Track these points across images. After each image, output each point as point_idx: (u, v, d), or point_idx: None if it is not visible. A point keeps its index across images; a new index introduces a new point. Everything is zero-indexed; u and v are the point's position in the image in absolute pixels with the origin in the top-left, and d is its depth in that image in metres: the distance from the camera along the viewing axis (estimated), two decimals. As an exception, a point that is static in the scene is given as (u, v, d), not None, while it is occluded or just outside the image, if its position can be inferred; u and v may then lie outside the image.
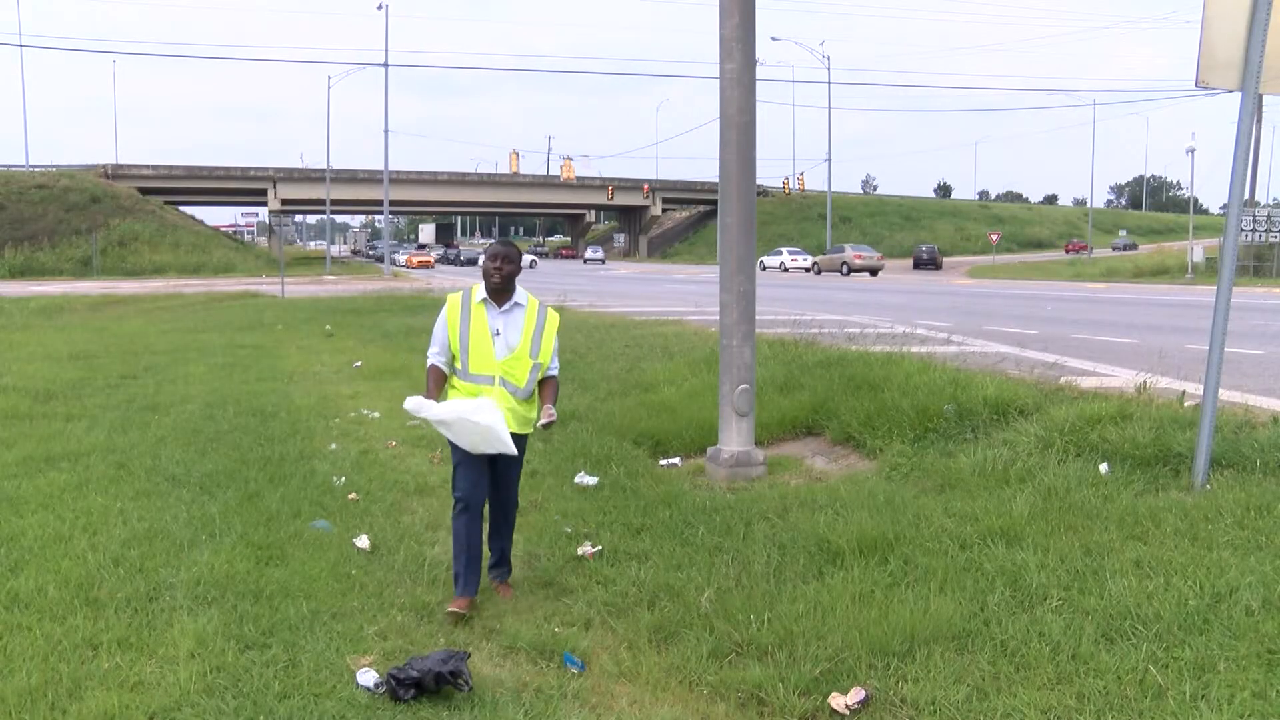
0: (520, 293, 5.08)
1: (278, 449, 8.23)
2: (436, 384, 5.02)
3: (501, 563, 5.30)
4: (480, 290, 5.03)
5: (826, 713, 3.84)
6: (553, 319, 5.15)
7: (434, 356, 5.08)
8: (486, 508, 5.13)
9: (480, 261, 5.06)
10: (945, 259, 63.05)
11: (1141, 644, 4.01)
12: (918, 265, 59.48)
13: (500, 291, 5.01)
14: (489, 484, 5.05)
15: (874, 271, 50.88)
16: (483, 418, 4.74)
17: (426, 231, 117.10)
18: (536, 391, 5.09)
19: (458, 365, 5.02)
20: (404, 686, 3.93)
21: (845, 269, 51.14)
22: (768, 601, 4.75)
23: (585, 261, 76.60)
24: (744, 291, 7.75)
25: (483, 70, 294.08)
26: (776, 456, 8.04)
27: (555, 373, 5.17)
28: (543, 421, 4.95)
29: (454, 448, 4.95)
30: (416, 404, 4.84)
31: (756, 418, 7.94)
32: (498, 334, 4.97)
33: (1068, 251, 72.02)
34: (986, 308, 22.32)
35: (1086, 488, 5.92)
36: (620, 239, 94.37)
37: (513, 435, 4.85)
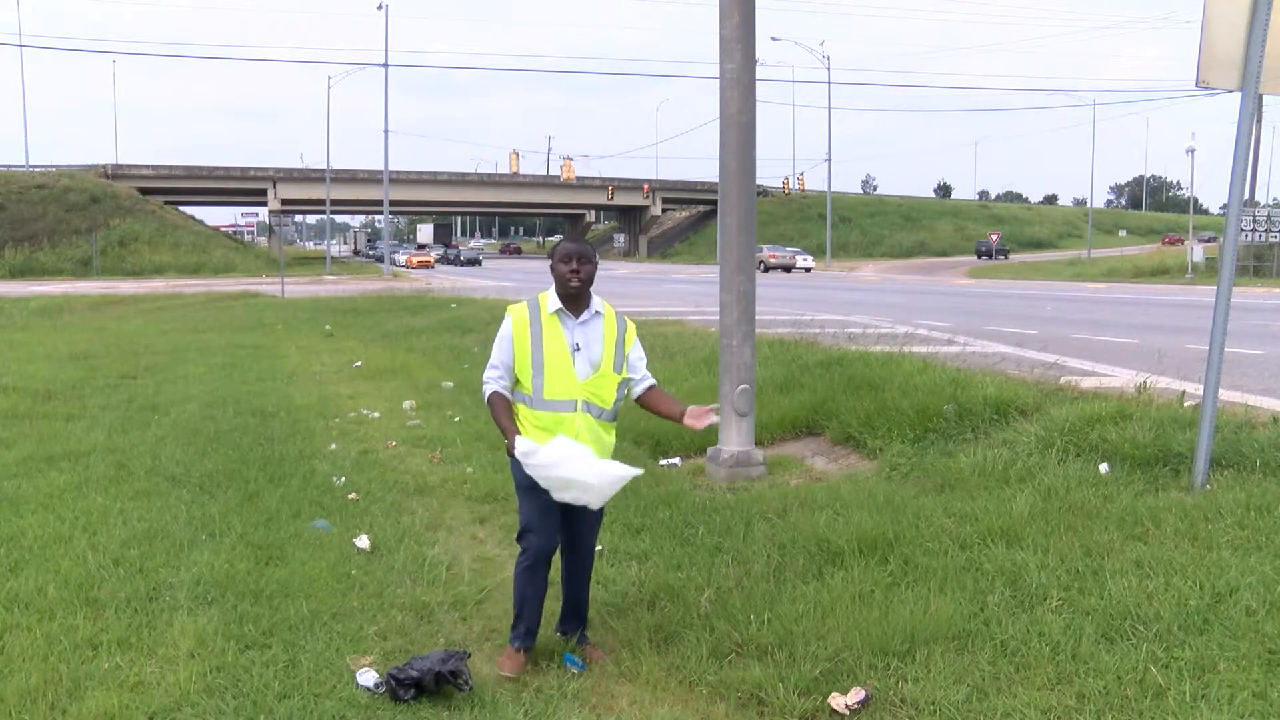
0: (596, 299, 4.35)
1: (278, 449, 8.23)
2: (509, 414, 4.24)
3: (576, 615, 4.59)
4: (552, 300, 4.26)
5: (826, 713, 3.84)
6: (632, 326, 4.48)
7: (495, 381, 4.27)
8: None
9: (551, 265, 4.29)
10: (945, 259, 63.30)
11: (1141, 644, 4.00)
12: (980, 255, 63.11)
13: (579, 298, 4.26)
14: (560, 528, 4.37)
15: (788, 269, 52.81)
16: (604, 467, 4.14)
17: (425, 231, 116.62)
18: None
19: (526, 390, 4.23)
20: (404, 686, 3.93)
21: (763, 267, 51.80)
22: (768, 601, 4.74)
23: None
24: (744, 291, 7.75)
25: (483, 70, 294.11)
26: (776, 456, 8.04)
27: (654, 380, 4.48)
28: (707, 423, 4.27)
29: (519, 479, 4.26)
30: (528, 448, 4.07)
31: (756, 418, 7.94)
32: (578, 349, 4.23)
33: (1166, 243, 71.96)
34: (986, 308, 22.33)
35: (1086, 488, 5.92)
36: (620, 239, 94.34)
37: None
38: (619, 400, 4.35)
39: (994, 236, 65.28)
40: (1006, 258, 60.55)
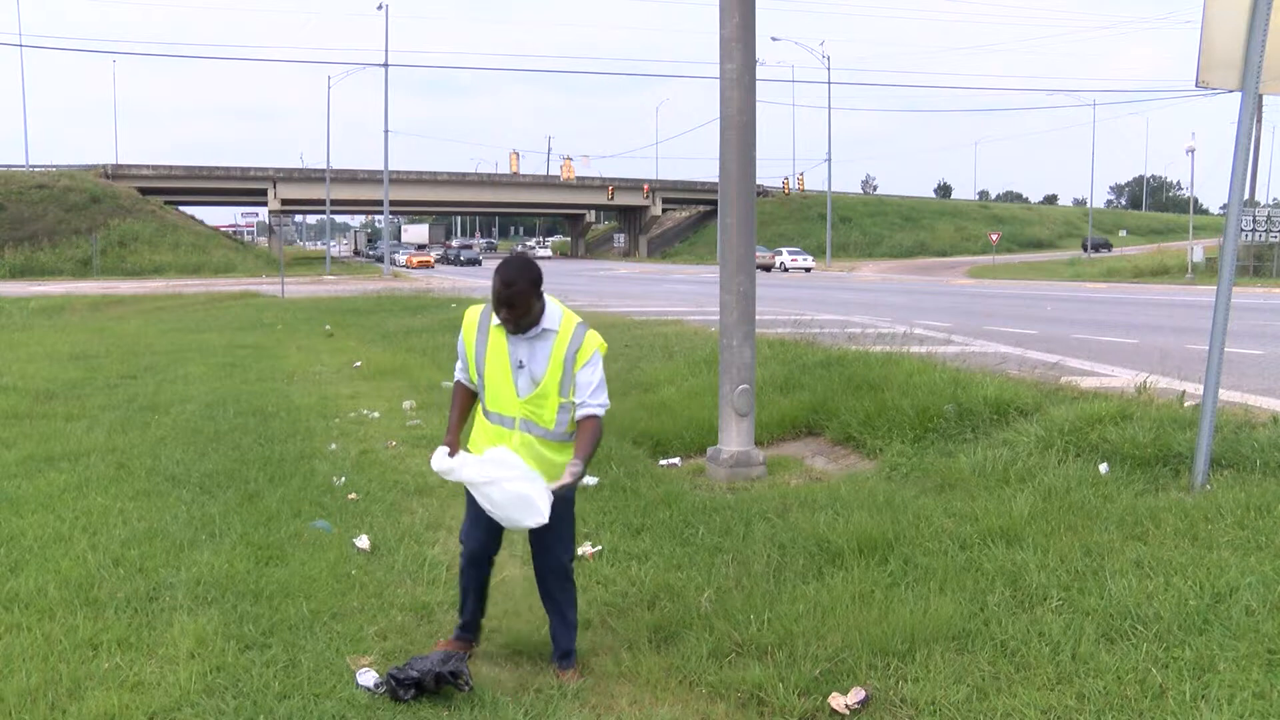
0: (552, 314, 4.08)
1: (278, 449, 8.23)
2: (461, 409, 4.24)
3: (557, 638, 4.34)
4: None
5: (826, 713, 3.84)
6: (591, 344, 4.13)
7: (459, 372, 4.27)
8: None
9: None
10: (944, 259, 63.29)
11: (1141, 644, 4.00)
12: (1087, 250, 65.55)
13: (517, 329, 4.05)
14: (493, 533, 4.26)
15: (767, 268, 53.10)
16: (518, 487, 3.92)
17: (413, 232, 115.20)
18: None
19: (481, 397, 4.21)
20: (404, 687, 3.93)
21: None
22: (768, 601, 4.74)
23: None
24: (744, 291, 7.75)
25: (483, 70, 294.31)
26: (776, 456, 8.03)
27: (596, 411, 4.11)
28: (555, 486, 3.92)
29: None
30: (444, 465, 4.02)
31: (756, 418, 7.94)
32: (521, 366, 4.06)
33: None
34: (986, 308, 22.32)
35: (1086, 488, 5.92)
36: (620, 239, 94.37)
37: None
38: (564, 422, 4.09)
39: (994, 236, 65.23)
40: (1109, 250, 61.98)
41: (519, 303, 3.95)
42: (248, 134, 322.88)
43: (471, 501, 4.14)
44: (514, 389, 4.07)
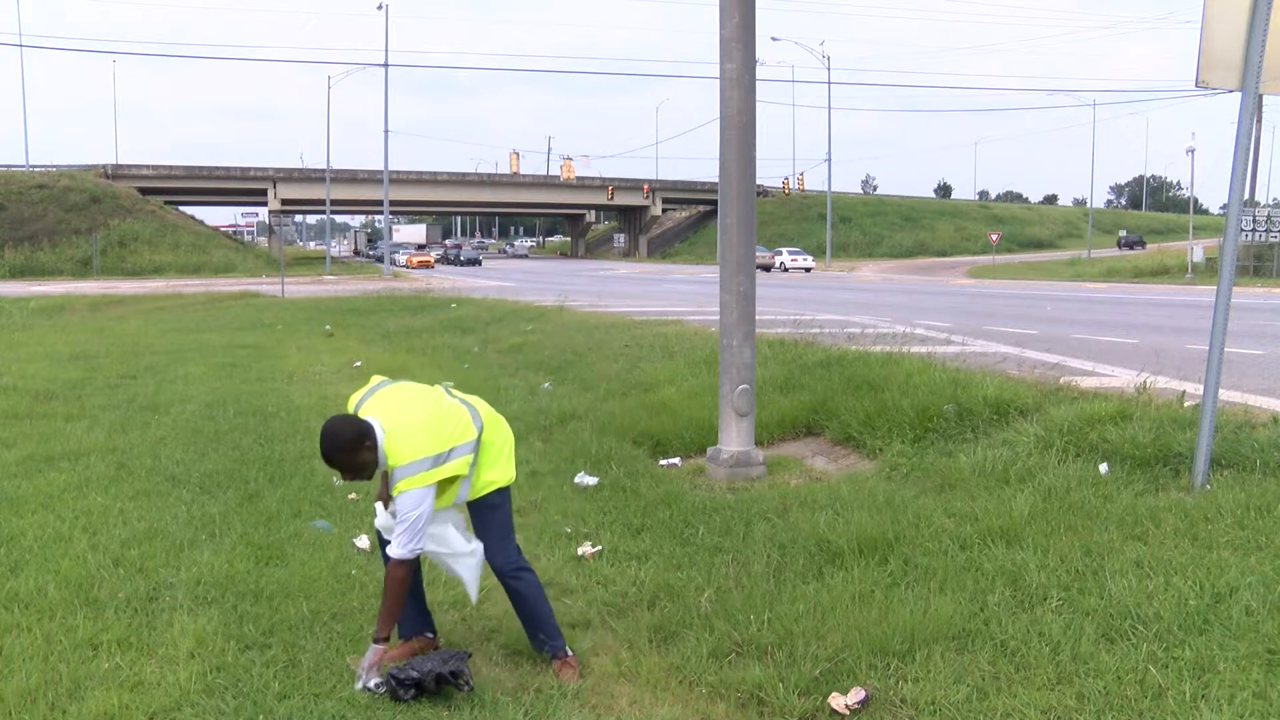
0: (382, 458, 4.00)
1: (278, 449, 8.24)
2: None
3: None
4: None
5: (826, 713, 3.84)
6: (405, 485, 3.96)
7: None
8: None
9: None
10: (944, 259, 63.25)
11: (1141, 644, 4.01)
12: (1121, 246, 65.46)
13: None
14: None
15: (766, 268, 53.28)
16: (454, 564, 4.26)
17: (406, 232, 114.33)
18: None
19: None
20: (404, 687, 3.93)
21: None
22: (768, 601, 4.75)
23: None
24: (744, 291, 7.75)
25: (483, 70, 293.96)
26: (776, 456, 8.04)
27: (393, 553, 4.05)
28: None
29: None
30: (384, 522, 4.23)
31: (756, 418, 7.94)
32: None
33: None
34: (986, 308, 22.32)
35: (1086, 488, 5.92)
36: (620, 239, 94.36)
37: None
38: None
39: (994, 236, 65.21)
40: (1144, 247, 62.20)
41: (347, 466, 3.98)
42: (248, 134, 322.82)
43: None
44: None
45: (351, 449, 3.94)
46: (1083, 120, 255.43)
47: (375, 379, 4.41)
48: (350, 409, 4.23)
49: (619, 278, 44.39)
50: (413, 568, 4.16)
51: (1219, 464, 5.99)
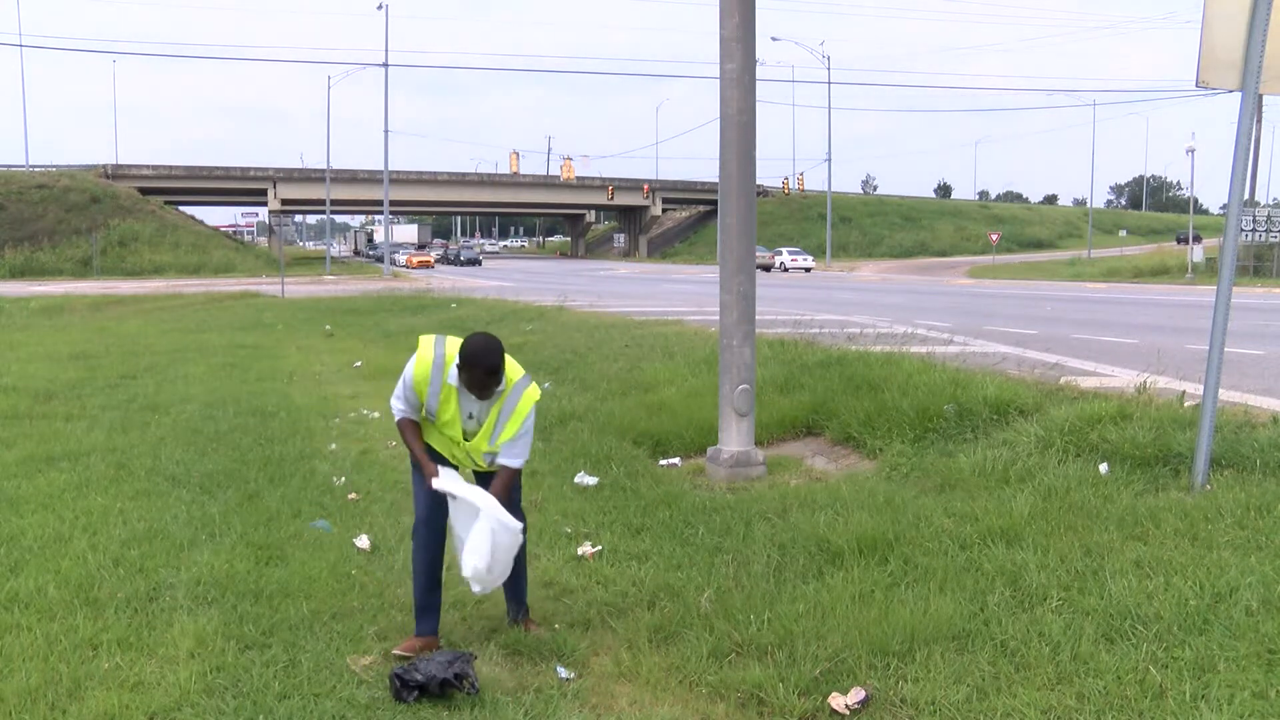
0: (507, 371, 4.33)
1: (278, 449, 8.24)
2: (418, 435, 4.48)
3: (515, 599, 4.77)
4: (454, 372, 4.30)
5: (826, 713, 3.84)
6: (528, 402, 4.37)
7: (401, 412, 4.48)
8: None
9: (461, 360, 4.26)
10: (944, 259, 63.26)
11: (1141, 644, 4.00)
12: (1178, 241, 66.00)
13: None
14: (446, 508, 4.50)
15: (766, 268, 52.83)
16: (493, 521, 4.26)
17: (400, 232, 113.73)
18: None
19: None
20: (408, 689, 3.93)
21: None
22: (768, 601, 4.75)
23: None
24: (744, 291, 7.75)
25: (483, 70, 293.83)
26: (776, 456, 8.03)
27: (513, 463, 4.41)
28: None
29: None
30: (448, 483, 4.36)
31: (756, 418, 7.94)
32: (470, 417, 4.40)
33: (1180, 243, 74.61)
34: (987, 308, 22.32)
35: (1086, 488, 5.92)
36: (620, 239, 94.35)
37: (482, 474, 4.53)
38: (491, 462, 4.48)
39: (994, 236, 65.19)
40: (1200, 242, 63.10)
41: (493, 383, 4.24)
42: (248, 134, 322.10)
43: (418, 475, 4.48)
44: (460, 434, 4.41)
45: (503, 356, 4.25)
46: (1083, 120, 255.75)
47: (426, 337, 4.55)
48: (433, 354, 4.38)
49: (619, 278, 44.39)
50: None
51: (1219, 464, 5.99)
